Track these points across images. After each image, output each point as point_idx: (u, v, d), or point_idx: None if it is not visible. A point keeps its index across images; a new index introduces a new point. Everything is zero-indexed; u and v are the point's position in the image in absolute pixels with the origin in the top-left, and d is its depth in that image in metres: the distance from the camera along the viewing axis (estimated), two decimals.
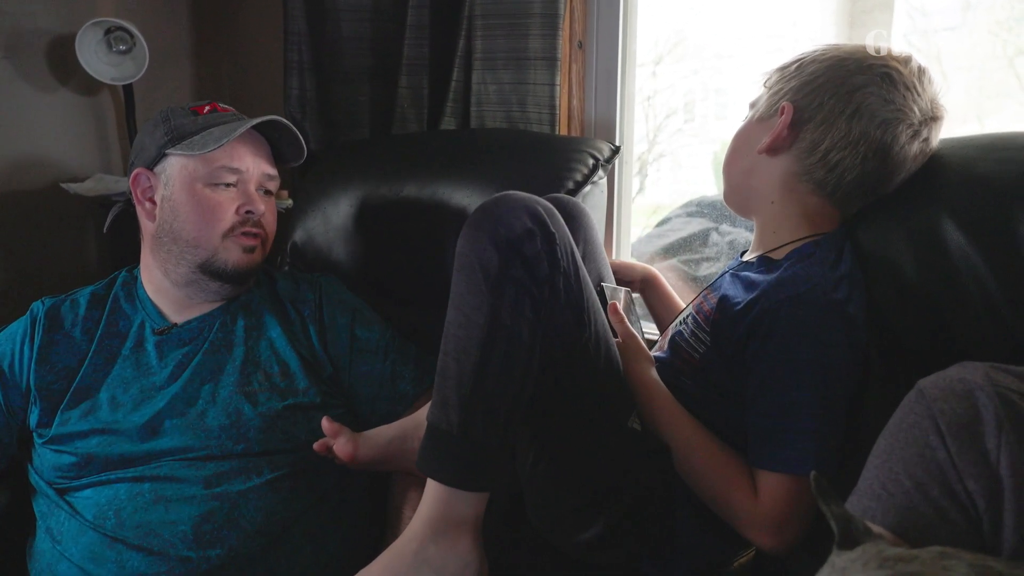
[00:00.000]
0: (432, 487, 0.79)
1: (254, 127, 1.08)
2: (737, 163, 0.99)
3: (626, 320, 0.99)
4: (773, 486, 0.81)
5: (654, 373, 0.94)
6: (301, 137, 1.13)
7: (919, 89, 0.87)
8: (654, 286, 1.25)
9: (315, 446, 0.97)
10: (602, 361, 0.88)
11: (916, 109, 0.87)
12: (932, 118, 0.88)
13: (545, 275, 0.79)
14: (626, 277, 1.26)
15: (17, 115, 1.57)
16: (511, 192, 0.83)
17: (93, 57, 1.54)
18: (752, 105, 0.99)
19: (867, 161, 0.87)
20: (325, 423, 0.96)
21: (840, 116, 0.87)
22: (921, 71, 0.88)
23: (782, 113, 0.91)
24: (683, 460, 0.88)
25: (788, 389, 0.82)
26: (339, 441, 0.96)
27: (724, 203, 1.04)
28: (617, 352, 0.91)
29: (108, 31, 1.54)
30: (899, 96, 0.86)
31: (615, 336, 0.96)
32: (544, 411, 0.85)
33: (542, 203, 0.83)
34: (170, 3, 1.82)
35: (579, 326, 0.84)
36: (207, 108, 1.09)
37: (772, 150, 0.93)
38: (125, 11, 1.68)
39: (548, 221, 0.81)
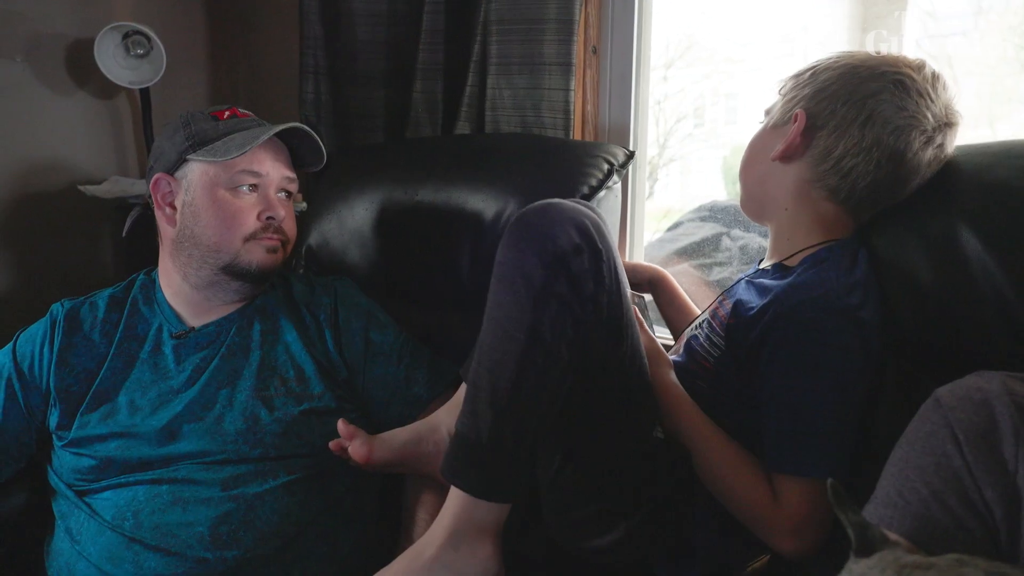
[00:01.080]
0: (455, 494, 0.80)
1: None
2: (752, 170, 1.00)
3: (645, 325, 0.99)
4: (792, 490, 0.81)
5: (674, 377, 0.94)
6: (321, 144, 1.13)
7: (932, 95, 0.87)
8: (663, 287, 1.24)
9: (330, 445, 0.97)
10: (635, 373, 0.87)
11: (930, 115, 0.87)
12: (946, 124, 0.88)
13: (590, 293, 0.77)
14: (633, 279, 1.25)
15: (35, 118, 1.58)
16: (557, 201, 0.80)
17: (111, 61, 1.55)
18: (767, 112, 1.00)
19: (880, 168, 0.87)
20: (341, 425, 0.97)
21: (853, 123, 0.88)
22: (935, 77, 0.88)
23: (795, 120, 0.91)
24: (704, 464, 0.88)
25: (801, 393, 0.82)
26: (354, 443, 0.96)
27: (740, 210, 1.05)
28: (647, 362, 0.90)
29: (126, 35, 1.55)
30: (912, 103, 0.86)
31: None
32: (574, 420, 0.84)
33: (589, 215, 0.80)
34: (187, 8, 1.84)
35: (617, 341, 0.83)
36: (227, 113, 1.09)
37: (786, 157, 0.93)
38: (143, 16, 1.69)
39: (596, 236, 0.78)
